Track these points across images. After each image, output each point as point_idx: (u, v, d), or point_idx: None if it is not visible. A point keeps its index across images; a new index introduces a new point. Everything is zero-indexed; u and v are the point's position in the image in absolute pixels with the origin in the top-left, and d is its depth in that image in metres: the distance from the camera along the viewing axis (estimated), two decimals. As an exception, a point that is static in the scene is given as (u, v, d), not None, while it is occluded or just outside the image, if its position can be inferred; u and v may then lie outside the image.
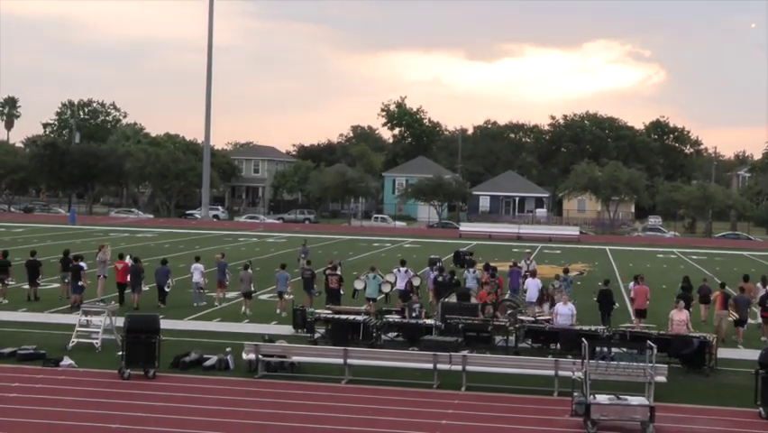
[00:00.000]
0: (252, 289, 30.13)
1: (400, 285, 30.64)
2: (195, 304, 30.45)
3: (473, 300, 27.17)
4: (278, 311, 28.84)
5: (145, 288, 30.40)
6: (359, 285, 30.18)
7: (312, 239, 49.31)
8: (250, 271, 30.06)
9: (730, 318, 27.03)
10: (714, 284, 30.66)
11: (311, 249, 41.83)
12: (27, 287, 31.24)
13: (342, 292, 29.69)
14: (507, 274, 33.40)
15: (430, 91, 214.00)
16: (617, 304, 29.30)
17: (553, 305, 26.20)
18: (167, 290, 30.06)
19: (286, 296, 29.41)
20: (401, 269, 31.53)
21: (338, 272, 30.31)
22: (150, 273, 31.34)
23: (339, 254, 47.70)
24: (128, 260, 30.91)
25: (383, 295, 30.76)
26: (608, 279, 31.31)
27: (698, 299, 29.29)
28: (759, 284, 29.31)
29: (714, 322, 27.00)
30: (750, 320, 28.13)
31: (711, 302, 28.39)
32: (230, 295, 31.64)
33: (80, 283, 29.25)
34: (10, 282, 31.30)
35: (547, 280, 32.21)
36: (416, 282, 31.01)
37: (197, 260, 31.85)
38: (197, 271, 30.89)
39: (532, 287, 29.28)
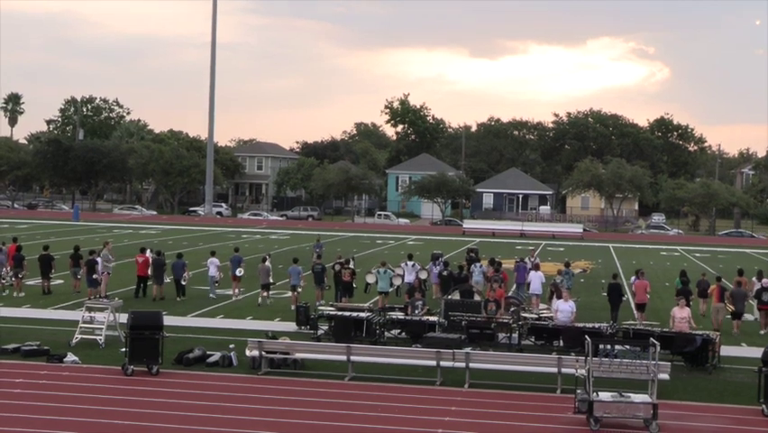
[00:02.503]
0: (271, 280, 30.97)
1: (408, 279, 31.05)
2: (212, 296, 31.29)
3: (476, 298, 27.15)
4: (292, 307, 28.77)
5: (167, 280, 31.28)
6: (370, 279, 30.87)
7: (316, 236, 49.31)
8: (267, 264, 30.78)
9: (727, 316, 27.24)
10: (712, 279, 30.76)
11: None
12: (33, 282, 31.22)
13: (354, 286, 30.30)
14: (512, 271, 33.51)
15: (433, 88, 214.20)
16: (625, 297, 29.57)
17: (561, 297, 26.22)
18: (183, 283, 30.94)
19: (299, 289, 29.87)
20: (409, 263, 32.00)
21: (351, 266, 30.95)
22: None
23: (343, 251, 47.64)
24: (149, 253, 31.53)
25: (394, 288, 31.07)
26: (615, 273, 31.59)
27: (696, 294, 29.58)
28: (755, 278, 29.76)
29: (711, 315, 27.46)
30: (747, 316, 28.35)
31: (708, 296, 28.75)
32: (237, 291, 31.77)
33: (95, 277, 29.71)
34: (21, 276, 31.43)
35: (549, 277, 32.26)
36: (423, 276, 31.40)
37: (213, 254, 32.59)
38: (213, 266, 31.60)
39: (535, 280, 30.05)
